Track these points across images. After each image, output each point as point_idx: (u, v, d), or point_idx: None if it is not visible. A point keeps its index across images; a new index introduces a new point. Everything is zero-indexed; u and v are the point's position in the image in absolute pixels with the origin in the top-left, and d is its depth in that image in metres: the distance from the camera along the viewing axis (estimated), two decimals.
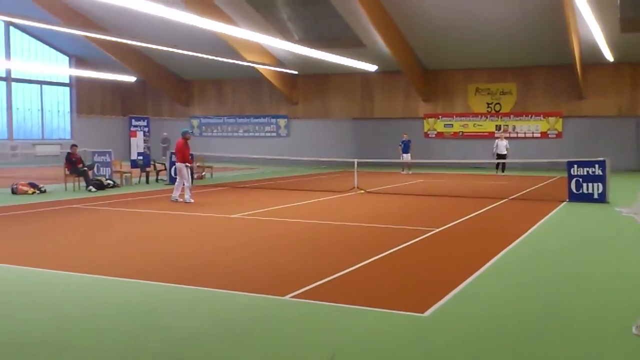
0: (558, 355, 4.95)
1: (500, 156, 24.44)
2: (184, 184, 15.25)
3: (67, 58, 35.09)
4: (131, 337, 5.36)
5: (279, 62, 30.91)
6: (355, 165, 19.24)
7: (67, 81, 35.56)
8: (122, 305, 6.33)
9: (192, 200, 14.96)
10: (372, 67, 27.47)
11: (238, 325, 5.66)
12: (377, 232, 10.90)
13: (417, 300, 6.44)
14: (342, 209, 14.25)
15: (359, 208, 14.51)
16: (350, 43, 27.31)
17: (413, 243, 9.64)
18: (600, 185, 14.96)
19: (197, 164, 22.05)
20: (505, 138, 25.60)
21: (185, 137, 15.78)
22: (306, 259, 8.60)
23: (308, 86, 33.32)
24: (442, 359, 4.88)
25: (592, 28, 20.20)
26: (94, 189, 17.76)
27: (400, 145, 25.52)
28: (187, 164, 15.33)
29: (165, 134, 28.36)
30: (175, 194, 15.29)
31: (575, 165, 15.31)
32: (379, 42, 26.06)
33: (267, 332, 5.48)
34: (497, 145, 24.91)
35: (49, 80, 34.51)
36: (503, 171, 24.86)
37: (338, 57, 24.42)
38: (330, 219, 12.42)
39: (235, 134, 35.36)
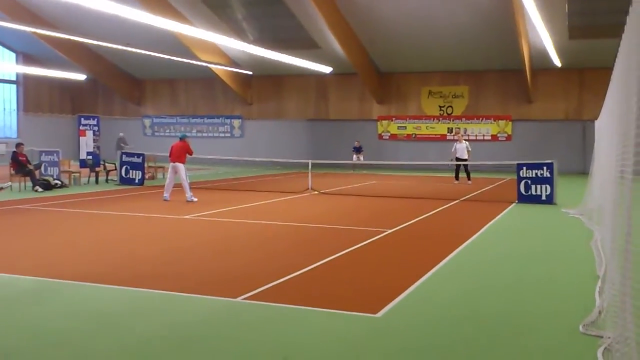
0: (511, 356, 5.03)
1: (460, 160, 21.31)
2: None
3: (14, 54, 34.05)
4: (81, 342, 5.21)
5: (234, 62, 30.70)
6: (310, 166, 19.25)
7: (14, 78, 34.52)
8: (72, 308, 6.16)
9: (195, 199, 15.20)
10: (327, 69, 27.59)
11: (190, 327, 5.57)
12: (330, 233, 10.91)
13: (369, 301, 6.46)
14: (295, 210, 14.23)
15: (313, 209, 14.51)
16: (305, 44, 27.34)
17: (365, 244, 9.68)
18: (548, 187, 15.35)
19: (149, 164, 21.72)
20: (465, 140, 22.31)
21: (185, 140, 15.93)
22: (259, 260, 8.54)
23: (263, 87, 33.20)
24: (395, 359, 4.90)
25: (541, 34, 20.78)
26: (40, 189, 17.27)
27: (354, 151, 28.48)
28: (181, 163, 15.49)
29: (121, 134, 27.73)
30: (167, 194, 15.41)
31: (524, 168, 15.67)
32: (334, 44, 26.17)
33: (219, 335, 5.41)
34: (455, 149, 21.47)
35: None
36: (469, 179, 21.39)
37: (293, 58, 24.43)
38: (283, 220, 12.39)
39: (189, 134, 34.88)
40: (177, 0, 25.33)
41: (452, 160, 21.87)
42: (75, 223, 11.90)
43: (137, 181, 19.81)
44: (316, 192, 17.86)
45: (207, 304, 6.31)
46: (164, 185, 15.93)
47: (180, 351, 5.00)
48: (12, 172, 17.77)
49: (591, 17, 23.64)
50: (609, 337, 4.90)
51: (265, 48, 22.99)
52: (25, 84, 34.47)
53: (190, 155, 15.86)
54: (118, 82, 35.12)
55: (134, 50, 22.28)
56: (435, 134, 30.39)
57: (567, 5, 22.27)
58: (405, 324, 5.75)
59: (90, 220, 12.17)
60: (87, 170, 20.94)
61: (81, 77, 30.77)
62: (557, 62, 25.70)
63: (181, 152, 15.55)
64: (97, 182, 20.41)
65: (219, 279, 7.38)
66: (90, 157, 21.44)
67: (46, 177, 18.39)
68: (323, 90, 32.00)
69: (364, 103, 31.33)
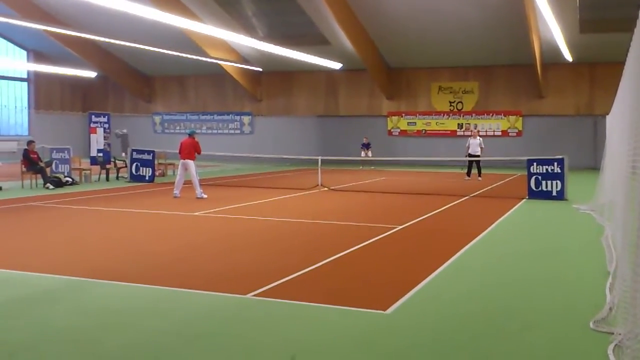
0: (520, 353, 5.00)
1: (472, 156, 20.95)
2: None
3: (25, 52, 34.24)
4: (90, 339, 5.24)
5: (243, 59, 30.72)
6: (319, 163, 19.24)
7: (25, 76, 34.72)
8: (81, 305, 6.20)
9: (205, 196, 15.22)
10: (336, 65, 27.54)
11: (199, 324, 5.58)
12: (340, 230, 10.90)
13: (379, 297, 6.45)
14: (305, 207, 14.23)
15: (322, 206, 14.50)
16: (315, 40, 27.30)
17: (375, 241, 9.66)
18: (559, 182, 15.26)
19: (159, 161, 21.80)
20: (480, 136, 21.95)
21: (194, 136, 15.96)
22: (268, 257, 8.55)
23: (272, 83, 33.20)
24: (404, 356, 4.89)
25: (552, 28, 20.60)
26: (51, 187, 17.38)
27: (362, 147, 28.36)
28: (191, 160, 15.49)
29: (124, 130, 27.86)
30: (177, 191, 15.45)
31: (535, 163, 15.58)
32: (344, 40, 26.11)
33: (228, 332, 5.42)
34: (469, 145, 21.18)
35: (5, 75, 33.64)
36: (479, 175, 21.24)
37: (303, 54, 24.40)
38: (293, 216, 12.39)
39: (198, 131, 34.92)
40: None
41: (466, 155, 21.42)
42: (86, 220, 11.96)
43: (147, 178, 19.88)
44: (326, 189, 17.85)
45: (216, 301, 6.32)
46: (174, 182, 15.97)
47: (190, 348, 5.01)
48: (24, 169, 17.87)
49: (602, 10, 23.44)
50: (620, 334, 4.86)
51: (275, 44, 22.97)
52: (36, 82, 34.67)
53: (199, 154, 15.84)
54: (128, 80, 35.24)
55: (144, 47, 22.34)
56: (445, 130, 30.28)
57: None
58: (415, 320, 5.74)
59: (101, 218, 12.23)
60: (97, 167, 21.05)
61: (92, 74, 30.88)
62: (568, 57, 25.50)
63: (191, 149, 15.58)
64: (107, 179, 20.51)
65: (229, 276, 7.39)
66: (101, 154, 21.55)
67: (57, 175, 18.50)
68: (333, 86, 31.95)
69: (373, 99, 31.27)
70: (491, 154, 25.68)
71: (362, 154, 28.14)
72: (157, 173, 20.96)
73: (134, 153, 20.32)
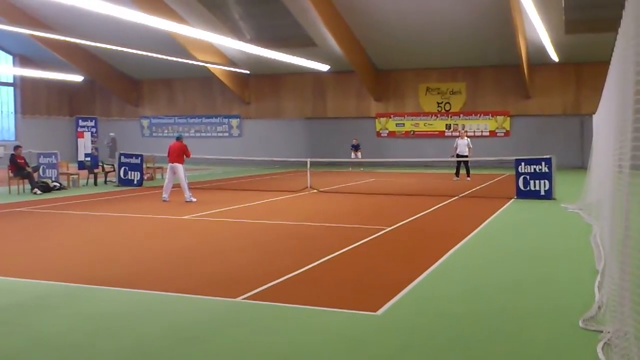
0: (511, 353, 5.02)
1: (460, 157, 21.16)
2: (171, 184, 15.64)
3: (10, 57, 33.99)
4: (82, 343, 5.20)
5: (231, 62, 30.67)
6: (308, 165, 19.24)
7: (11, 81, 34.45)
8: (71, 310, 6.15)
9: (194, 199, 15.23)
10: (324, 67, 27.55)
11: (190, 328, 5.56)
12: (330, 232, 10.90)
13: (369, 299, 6.46)
14: (294, 209, 14.22)
15: (312, 208, 14.50)
16: (302, 43, 27.31)
17: (365, 242, 9.67)
18: (547, 182, 15.35)
19: (147, 165, 21.70)
20: (467, 137, 22.35)
21: (181, 140, 15.91)
22: (258, 260, 8.53)
23: (260, 86, 33.17)
24: (395, 357, 4.90)
25: (538, 29, 20.74)
26: (39, 192, 17.27)
27: (352, 148, 28.33)
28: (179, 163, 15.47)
29: (112, 134, 27.74)
30: (165, 195, 15.42)
31: (523, 163, 15.67)
32: (331, 41, 26.14)
33: (219, 335, 5.41)
34: (457, 145, 21.46)
35: None
36: (468, 175, 21.38)
37: (290, 56, 24.39)
38: (282, 219, 12.38)
39: (187, 134, 34.88)
40: None
41: (452, 156, 21.76)
42: (75, 225, 11.88)
43: (135, 182, 19.80)
44: (315, 191, 17.85)
45: (207, 305, 6.30)
46: (162, 186, 15.91)
47: (181, 352, 4.99)
48: (11, 175, 17.74)
49: (587, 11, 23.62)
50: (609, 332, 4.89)
51: (262, 47, 22.95)
52: (22, 87, 34.41)
53: (188, 157, 15.78)
54: (115, 83, 35.08)
55: (130, 50, 22.24)
56: (434, 131, 30.38)
57: None
58: (406, 321, 5.75)
59: (89, 222, 12.16)
60: (85, 172, 20.92)
61: (78, 78, 30.72)
62: (555, 57, 25.68)
63: (180, 153, 15.53)
64: (95, 183, 20.40)
65: (219, 279, 7.37)
66: (89, 158, 21.42)
67: (45, 180, 18.37)
68: (321, 88, 31.98)
69: (361, 101, 31.32)
70: (479, 154, 25.79)
71: (352, 155, 28.15)
72: (145, 177, 20.89)
73: (122, 157, 20.23)
